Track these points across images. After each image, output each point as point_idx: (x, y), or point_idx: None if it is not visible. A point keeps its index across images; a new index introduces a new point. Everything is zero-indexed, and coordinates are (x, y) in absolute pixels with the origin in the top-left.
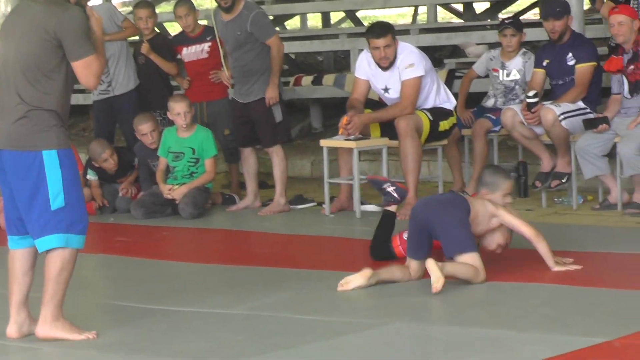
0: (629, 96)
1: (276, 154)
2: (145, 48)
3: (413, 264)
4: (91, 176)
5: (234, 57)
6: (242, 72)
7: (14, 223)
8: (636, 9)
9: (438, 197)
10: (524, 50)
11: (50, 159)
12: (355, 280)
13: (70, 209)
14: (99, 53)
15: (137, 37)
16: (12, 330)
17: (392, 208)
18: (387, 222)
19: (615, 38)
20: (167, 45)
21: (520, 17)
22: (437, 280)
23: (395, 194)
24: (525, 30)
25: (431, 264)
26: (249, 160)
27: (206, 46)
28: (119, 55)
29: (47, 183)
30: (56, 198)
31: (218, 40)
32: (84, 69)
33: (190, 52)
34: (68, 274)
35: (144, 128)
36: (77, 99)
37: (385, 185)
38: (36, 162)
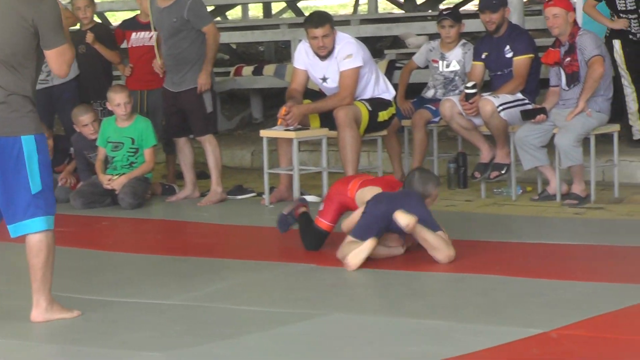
0: (566, 88)
1: (209, 143)
2: (90, 37)
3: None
4: None
5: (168, 45)
6: (176, 61)
7: None
8: None
9: (401, 192)
10: (463, 41)
11: (28, 144)
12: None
13: (47, 191)
14: (69, 43)
15: (77, 26)
16: None
17: (302, 209)
18: (305, 225)
19: (551, 31)
20: (108, 34)
21: (461, 9)
22: (409, 220)
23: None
24: (466, 21)
25: (400, 217)
26: (184, 150)
27: (155, 34)
28: None
29: (27, 167)
30: (35, 182)
31: (152, 28)
32: (58, 57)
33: (139, 38)
34: (53, 257)
35: (85, 119)
36: None
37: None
38: (15, 147)
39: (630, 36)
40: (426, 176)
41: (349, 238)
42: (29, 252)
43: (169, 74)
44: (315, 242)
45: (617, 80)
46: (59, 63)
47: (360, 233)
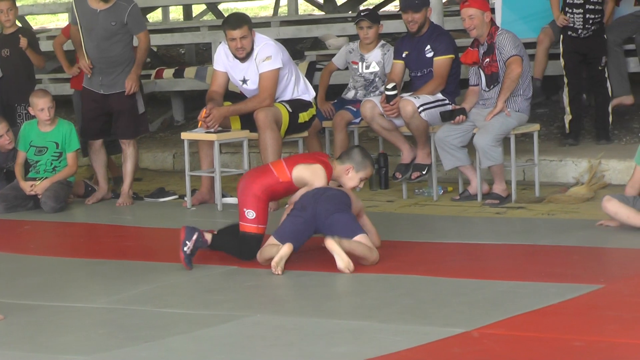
0: (486, 89)
1: (133, 147)
2: (24, 43)
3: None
4: None
5: (100, 48)
6: (108, 63)
7: None
8: None
9: (326, 192)
10: (382, 42)
11: None
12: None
13: None
14: None
15: None
16: None
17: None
18: (230, 238)
19: (469, 32)
20: (34, 39)
21: (381, 9)
22: (347, 264)
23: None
24: (386, 22)
25: (331, 243)
26: (100, 152)
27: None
28: None
29: None
30: None
31: (80, 29)
32: None
33: None
34: None
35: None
36: None
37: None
38: None
39: (570, 32)
40: (366, 153)
41: (272, 239)
42: None
43: (98, 75)
44: (252, 250)
45: None
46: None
47: (282, 236)
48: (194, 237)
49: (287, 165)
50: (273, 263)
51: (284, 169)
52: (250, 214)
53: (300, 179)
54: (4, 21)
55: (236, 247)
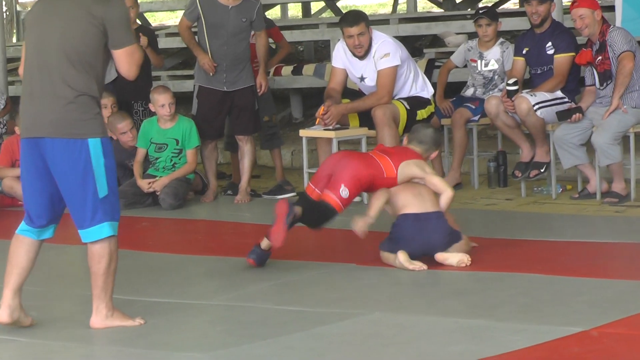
0: (600, 87)
1: (251, 143)
2: (144, 41)
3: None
4: None
5: (229, 44)
6: (234, 60)
7: (37, 214)
8: None
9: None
10: (501, 40)
11: (95, 147)
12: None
13: (112, 196)
14: (138, 44)
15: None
16: (4, 314)
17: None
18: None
19: (581, 32)
20: (153, 37)
21: (500, 7)
22: (460, 258)
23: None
24: (506, 19)
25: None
26: (215, 153)
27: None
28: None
29: (94, 171)
30: (102, 186)
31: (204, 27)
32: (127, 57)
33: None
34: (116, 263)
35: (122, 126)
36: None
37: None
38: (83, 150)
39: None
40: (434, 130)
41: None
42: (91, 259)
43: (221, 73)
44: (326, 222)
45: None
46: (128, 63)
47: (391, 247)
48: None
49: (393, 162)
50: (411, 267)
51: (391, 166)
52: (345, 192)
53: (408, 176)
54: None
55: (315, 214)
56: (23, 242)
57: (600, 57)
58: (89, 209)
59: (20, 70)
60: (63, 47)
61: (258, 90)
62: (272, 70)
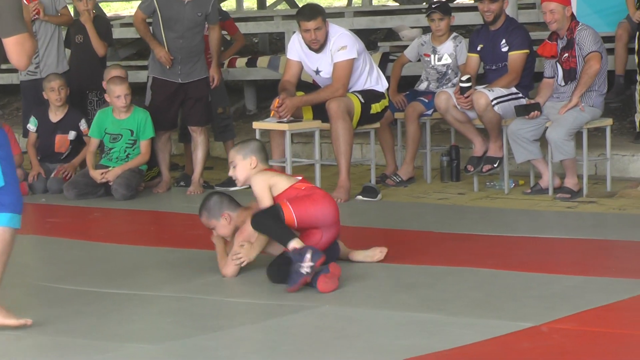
0: (562, 83)
1: (204, 134)
2: (85, 16)
3: None
4: (32, 125)
5: (184, 37)
6: (189, 53)
7: None
8: None
9: None
10: (454, 34)
11: None
12: None
13: (10, 188)
14: (30, 34)
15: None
16: None
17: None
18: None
19: (549, 26)
20: (105, 26)
21: (455, 2)
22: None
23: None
24: (460, 14)
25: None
26: (168, 144)
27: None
28: (50, 38)
29: None
30: None
31: (159, 21)
32: (17, 46)
33: None
34: (7, 256)
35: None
36: (10, 79)
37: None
38: None
39: None
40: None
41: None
42: None
43: (176, 65)
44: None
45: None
46: (17, 52)
47: None
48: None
49: None
50: None
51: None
52: None
53: None
54: (83, 10)
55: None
56: None
57: (566, 55)
58: None
59: None
60: None
61: (211, 83)
62: (226, 62)
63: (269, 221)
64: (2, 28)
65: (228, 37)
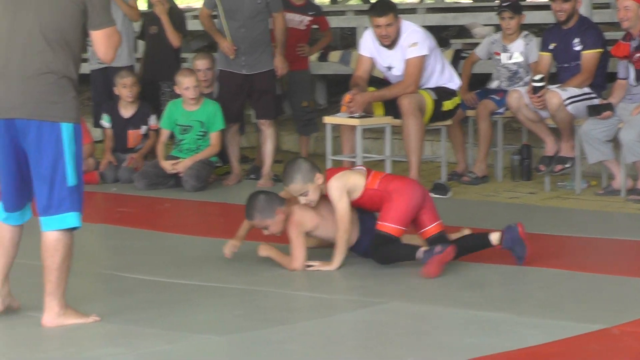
0: (634, 83)
1: (273, 127)
2: (159, 7)
3: None
4: (105, 122)
5: (246, 26)
6: (251, 43)
7: (14, 196)
8: None
9: None
10: (525, 32)
11: (68, 133)
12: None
13: (80, 187)
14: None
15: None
16: None
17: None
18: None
19: (621, 23)
20: (179, 18)
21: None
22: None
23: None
24: (532, 12)
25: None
26: (237, 136)
27: (306, 19)
28: (119, 28)
29: (65, 158)
30: (71, 174)
31: (221, 11)
32: (105, 39)
33: (288, 19)
34: (70, 260)
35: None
36: (83, 68)
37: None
38: (54, 135)
39: None
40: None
41: None
42: (45, 251)
43: (240, 56)
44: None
45: None
46: (105, 45)
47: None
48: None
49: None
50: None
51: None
52: None
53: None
54: (156, 2)
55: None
56: (6, 228)
57: (638, 55)
58: (56, 196)
59: None
60: (39, 28)
61: (278, 74)
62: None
63: (390, 252)
64: (92, 21)
65: (318, 33)
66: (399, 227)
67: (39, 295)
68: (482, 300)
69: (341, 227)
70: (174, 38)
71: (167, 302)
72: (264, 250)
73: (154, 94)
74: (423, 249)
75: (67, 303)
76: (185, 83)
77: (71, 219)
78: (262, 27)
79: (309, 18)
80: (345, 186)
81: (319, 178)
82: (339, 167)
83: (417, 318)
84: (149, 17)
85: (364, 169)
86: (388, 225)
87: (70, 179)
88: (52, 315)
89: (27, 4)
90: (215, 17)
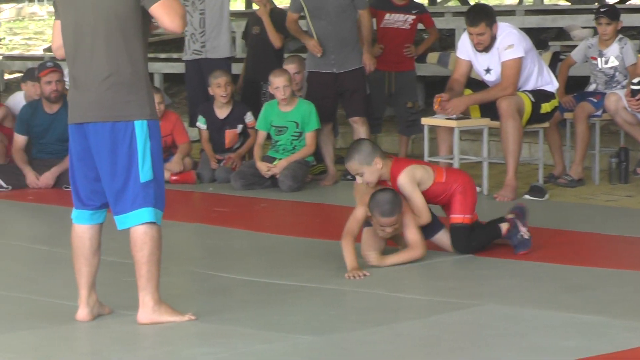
0: None
1: (366, 125)
2: (261, 8)
3: None
4: (201, 124)
5: (332, 24)
6: (339, 41)
7: (87, 196)
8: None
9: None
10: (620, 36)
11: (141, 130)
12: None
13: (157, 182)
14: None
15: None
16: (84, 313)
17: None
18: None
19: None
20: (282, 19)
21: (628, 2)
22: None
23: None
24: (631, 15)
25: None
26: (331, 136)
27: (410, 18)
28: (219, 21)
29: (138, 155)
30: (146, 170)
31: (305, 11)
32: (165, 7)
33: (392, 19)
34: (160, 253)
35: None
36: (180, 67)
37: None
38: (127, 133)
39: None
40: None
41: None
42: (133, 246)
43: (329, 54)
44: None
45: None
46: (168, 14)
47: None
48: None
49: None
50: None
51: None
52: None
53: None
54: (257, 1)
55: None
56: (82, 233)
57: None
58: (129, 194)
59: (54, 46)
60: (100, 27)
61: (367, 71)
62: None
63: (479, 238)
64: None
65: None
66: (470, 216)
67: (134, 294)
68: (576, 303)
69: (423, 217)
70: (275, 39)
71: (262, 302)
72: (376, 260)
73: (255, 94)
74: (505, 226)
75: (162, 300)
76: (275, 83)
77: (144, 214)
78: (349, 24)
79: (412, 17)
80: (415, 179)
81: (378, 162)
82: (405, 158)
83: (511, 320)
84: (252, 18)
85: (429, 166)
86: (462, 216)
87: (144, 175)
88: (147, 311)
89: (83, 5)
90: (302, 18)
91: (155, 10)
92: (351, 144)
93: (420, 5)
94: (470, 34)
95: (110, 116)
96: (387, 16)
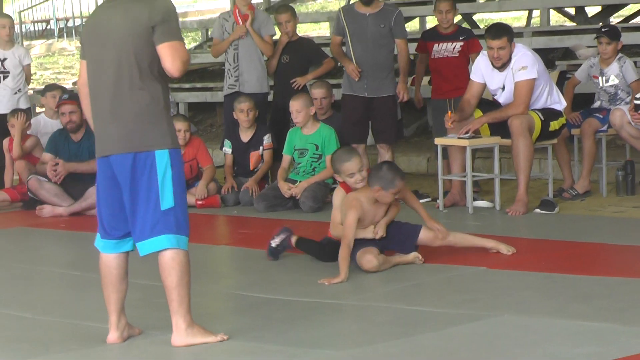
0: None
1: (392, 151)
2: (283, 39)
3: None
4: (227, 148)
5: (369, 49)
6: (375, 66)
7: (110, 226)
8: None
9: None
10: (619, 55)
11: (162, 159)
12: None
13: (179, 210)
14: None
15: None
16: (114, 337)
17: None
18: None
19: None
20: (309, 48)
21: (631, 21)
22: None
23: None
24: (633, 34)
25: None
26: (364, 159)
27: (458, 45)
28: (251, 55)
29: (158, 183)
30: (166, 198)
31: (348, 35)
32: (169, 50)
33: (441, 49)
34: (189, 277)
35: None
36: (204, 97)
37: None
38: (148, 162)
39: None
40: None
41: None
42: (162, 272)
43: (363, 79)
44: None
45: None
46: (170, 56)
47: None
48: (284, 236)
49: None
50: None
51: None
52: None
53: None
54: (283, 33)
55: (315, 252)
56: (109, 263)
57: None
58: (149, 221)
59: (79, 82)
60: (122, 63)
61: (400, 99)
62: (410, 80)
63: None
64: (157, 36)
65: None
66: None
67: (164, 315)
68: (588, 311)
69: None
70: (265, 49)
71: (287, 319)
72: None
73: (283, 119)
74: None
75: (195, 321)
76: (292, 107)
77: (163, 241)
78: (385, 52)
79: (460, 44)
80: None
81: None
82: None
83: (527, 330)
84: (281, 47)
85: None
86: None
87: (164, 203)
88: (181, 334)
89: (109, 39)
90: (344, 43)
91: (162, 49)
92: (374, 167)
93: (468, 31)
94: (490, 48)
95: (132, 147)
96: (435, 47)
